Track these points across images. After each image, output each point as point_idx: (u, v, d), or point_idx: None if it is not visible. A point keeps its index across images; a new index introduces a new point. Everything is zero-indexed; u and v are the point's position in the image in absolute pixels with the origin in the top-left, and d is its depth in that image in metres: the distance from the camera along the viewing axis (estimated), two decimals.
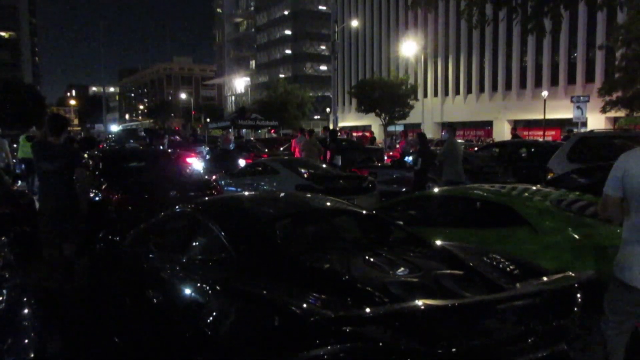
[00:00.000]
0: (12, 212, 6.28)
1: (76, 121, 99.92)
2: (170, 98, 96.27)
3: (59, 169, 5.10)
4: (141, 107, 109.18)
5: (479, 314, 2.40)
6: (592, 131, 11.99)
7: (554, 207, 4.48)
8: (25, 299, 2.65)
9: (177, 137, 25.27)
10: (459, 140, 33.97)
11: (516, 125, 39.81)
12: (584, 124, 23.68)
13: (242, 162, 14.68)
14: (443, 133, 10.85)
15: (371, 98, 38.39)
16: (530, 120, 41.32)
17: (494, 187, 5.33)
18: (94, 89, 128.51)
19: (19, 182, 9.04)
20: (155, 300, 3.31)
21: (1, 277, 2.93)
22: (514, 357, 2.23)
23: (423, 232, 3.98)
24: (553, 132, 37.96)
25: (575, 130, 19.33)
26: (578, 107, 20.97)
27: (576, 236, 4.03)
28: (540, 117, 35.41)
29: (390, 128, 41.36)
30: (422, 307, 2.16)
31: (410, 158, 10.91)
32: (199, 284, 2.99)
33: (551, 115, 36.03)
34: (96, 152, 9.08)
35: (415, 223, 5.09)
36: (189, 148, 19.76)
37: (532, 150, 12.95)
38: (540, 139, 28.92)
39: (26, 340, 2.26)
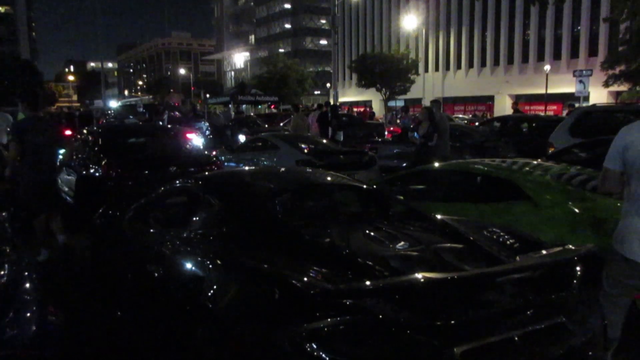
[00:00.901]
0: (12, 189, 6.28)
1: (75, 97, 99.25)
2: (169, 73, 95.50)
3: (49, 141, 5.21)
4: (140, 82, 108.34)
5: (478, 287, 2.41)
6: (594, 105, 11.90)
7: (554, 181, 4.47)
8: (25, 274, 2.66)
9: (177, 113, 25.10)
10: (461, 115, 33.70)
11: (518, 100, 39.48)
12: (586, 99, 23.50)
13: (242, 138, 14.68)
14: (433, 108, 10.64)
15: (372, 73, 38.05)
16: (532, 94, 41.01)
17: (494, 161, 5.31)
18: (92, 64, 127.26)
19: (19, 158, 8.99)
20: (156, 274, 3.32)
21: (1, 252, 2.93)
22: (512, 329, 2.24)
23: (423, 207, 3.98)
24: (555, 107, 37.72)
25: (576, 104, 19.18)
26: (580, 82, 20.75)
27: (576, 210, 4.03)
28: (542, 91, 35.14)
29: (391, 103, 41.10)
30: (422, 280, 2.17)
31: (416, 133, 10.73)
32: (199, 258, 3.00)
33: (553, 89, 35.75)
34: (95, 128, 9.04)
35: (415, 198, 5.10)
36: (189, 124, 19.66)
37: (534, 124, 12.89)
38: (542, 114, 28.76)
39: (28, 314, 2.27)
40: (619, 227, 2.97)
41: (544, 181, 4.48)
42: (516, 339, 2.22)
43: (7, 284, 2.48)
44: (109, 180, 6.79)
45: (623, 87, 27.81)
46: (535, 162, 5.20)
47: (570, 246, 2.78)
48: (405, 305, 2.18)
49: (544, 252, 2.75)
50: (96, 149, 7.58)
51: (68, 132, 16.64)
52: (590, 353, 2.48)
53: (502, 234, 3.21)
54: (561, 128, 9.73)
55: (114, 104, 49.09)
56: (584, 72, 21.63)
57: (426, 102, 40.43)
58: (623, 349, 3.23)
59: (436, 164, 5.83)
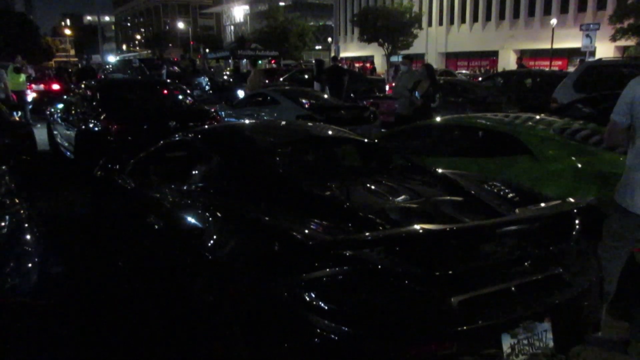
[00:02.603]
0: (12, 142, 6.30)
1: (72, 52, 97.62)
2: (167, 28, 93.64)
3: None
4: (138, 37, 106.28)
5: (477, 239, 2.41)
6: (600, 60, 11.68)
7: (557, 136, 4.43)
8: (26, 225, 2.68)
9: (176, 68, 24.78)
10: (464, 71, 33.12)
11: (522, 55, 38.81)
12: (592, 54, 23.07)
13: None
14: (401, 65, 10.20)
15: (374, 27, 37.25)
16: (537, 49, 40.27)
17: (496, 116, 5.25)
18: (89, 18, 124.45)
19: (15, 113, 8.97)
20: (156, 226, 3.34)
21: (2, 204, 2.94)
22: (509, 280, 2.26)
23: (424, 161, 3.96)
24: (560, 62, 37.12)
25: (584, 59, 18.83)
26: (587, 36, 20.33)
27: (579, 164, 4.01)
28: (548, 46, 34.46)
29: (393, 58, 40.42)
30: (421, 232, 2.17)
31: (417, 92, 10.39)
32: (200, 211, 3.01)
33: (559, 44, 35.05)
34: (92, 82, 8.93)
35: (416, 152, 5.07)
36: (188, 79, 19.46)
37: (538, 80, 12.71)
38: (547, 69, 28.33)
39: (29, 265, 2.29)
40: (621, 180, 2.97)
41: (547, 135, 4.44)
42: (513, 289, 2.24)
43: (8, 235, 2.49)
44: (109, 135, 6.77)
45: (631, 42, 27.25)
46: (538, 117, 5.14)
47: (571, 199, 2.78)
48: (403, 256, 2.19)
49: (542, 205, 2.75)
50: (94, 103, 7.52)
51: (56, 87, 16.63)
52: (585, 304, 2.51)
53: (502, 187, 3.19)
54: (565, 83, 9.59)
55: (112, 59, 48.33)
56: (591, 26, 21.16)
57: (429, 57, 39.66)
58: (618, 301, 3.28)
59: (437, 119, 5.77)
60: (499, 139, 4.65)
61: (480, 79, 17.48)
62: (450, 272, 2.17)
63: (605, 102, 6.23)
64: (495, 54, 44.35)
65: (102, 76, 20.96)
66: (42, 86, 16.43)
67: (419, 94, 8.95)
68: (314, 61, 16.53)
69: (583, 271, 2.55)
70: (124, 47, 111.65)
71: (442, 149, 5.19)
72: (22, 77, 13.43)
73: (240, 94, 14.73)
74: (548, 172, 4.09)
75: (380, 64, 42.72)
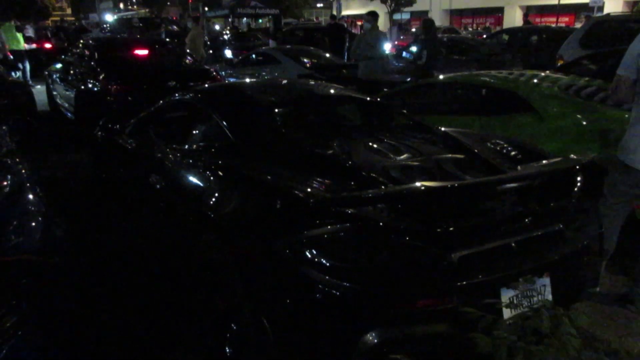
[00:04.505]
0: (11, 102, 6.27)
1: (69, 10, 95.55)
2: None
3: None
4: None
5: (478, 195, 2.41)
6: (608, 15, 11.40)
7: (561, 93, 4.37)
8: (28, 185, 2.68)
9: (175, 27, 24.32)
10: (468, 28, 32.34)
11: (528, 11, 37.87)
12: (601, 9, 22.49)
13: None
14: (365, 22, 8.39)
15: None
16: (543, 5, 39.24)
17: (501, 73, 5.17)
18: None
19: (14, 73, 8.87)
20: (158, 186, 3.35)
21: (3, 164, 2.94)
22: (510, 236, 2.27)
23: (427, 120, 3.92)
24: (567, 19, 36.27)
25: (592, 15, 18.39)
26: None
27: (583, 122, 3.96)
28: (555, 2, 33.58)
29: (397, 16, 39.52)
30: (422, 189, 2.17)
31: (406, 51, 10.13)
32: (201, 170, 3.01)
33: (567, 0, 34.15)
34: (90, 41, 8.78)
35: (419, 110, 5.02)
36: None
37: (544, 36, 12.47)
38: (553, 26, 27.71)
39: (32, 223, 2.31)
40: (625, 136, 2.94)
41: (551, 93, 4.37)
42: (513, 245, 2.25)
43: (10, 194, 2.50)
44: (108, 95, 6.71)
45: None
46: (542, 74, 5.05)
47: (573, 156, 2.76)
48: (405, 213, 2.19)
49: (544, 162, 2.73)
50: (93, 63, 7.42)
51: (48, 46, 16.47)
52: (585, 259, 2.53)
53: (505, 145, 3.18)
54: (572, 40, 9.40)
55: (109, 17, 47.31)
56: None
57: (433, 14, 38.77)
58: (618, 257, 3.32)
59: (440, 77, 5.68)
60: (503, 96, 4.59)
61: (484, 36, 17.12)
62: (451, 228, 2.17)
63: (611, 58, 6.10)
64: (501, 10, 43.23)
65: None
66: (34, 45, 16.19)
67: (410, 55, 8.62)
68: (331, 17, 16.18)
69: (583, 227, 2.56)
70: (121, 5, 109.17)
71: (446, 107, 5.13)
72: (22, 36, 13.29)
73: (228, 53, 14.58)
74: (552, 129, 4.05)
75: (382, 23, 41.77)
